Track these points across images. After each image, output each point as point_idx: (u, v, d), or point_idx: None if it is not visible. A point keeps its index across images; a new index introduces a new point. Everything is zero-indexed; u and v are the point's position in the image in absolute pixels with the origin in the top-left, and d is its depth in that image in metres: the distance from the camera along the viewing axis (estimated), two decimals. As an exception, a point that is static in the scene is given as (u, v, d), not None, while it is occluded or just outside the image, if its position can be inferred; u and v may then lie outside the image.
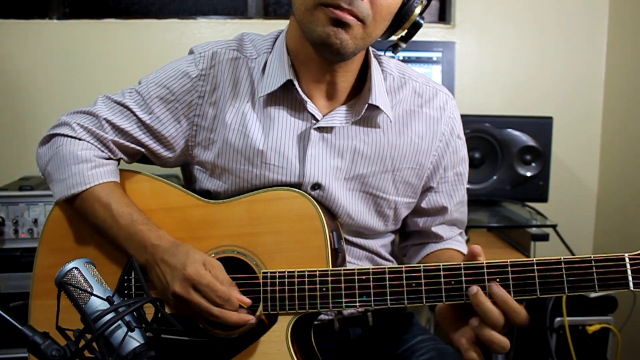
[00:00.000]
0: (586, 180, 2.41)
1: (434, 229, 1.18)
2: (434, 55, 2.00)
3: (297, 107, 1.05)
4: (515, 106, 2.31)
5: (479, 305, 0.87)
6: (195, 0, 2.30)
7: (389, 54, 1.12)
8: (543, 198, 1.95)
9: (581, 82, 2.35)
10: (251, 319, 0.94)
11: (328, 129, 1.05)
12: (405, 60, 1.99)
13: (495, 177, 1.93)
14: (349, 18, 0.91)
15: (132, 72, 2.10)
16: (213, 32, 2.20)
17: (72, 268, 0.78)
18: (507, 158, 1.92)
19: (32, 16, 2.15)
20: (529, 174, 1.93)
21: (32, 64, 2.12)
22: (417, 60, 1.99)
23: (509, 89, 2.33)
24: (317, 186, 1.05)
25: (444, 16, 2.37)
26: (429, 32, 2.27)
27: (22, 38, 2.11)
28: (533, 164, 1.93)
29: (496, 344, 0.86)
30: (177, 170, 1.41)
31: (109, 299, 0.77)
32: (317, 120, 1.04)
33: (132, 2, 2.29)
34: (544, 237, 1.78)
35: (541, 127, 1.93)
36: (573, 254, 1.84)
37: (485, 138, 1.92)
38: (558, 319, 1.76)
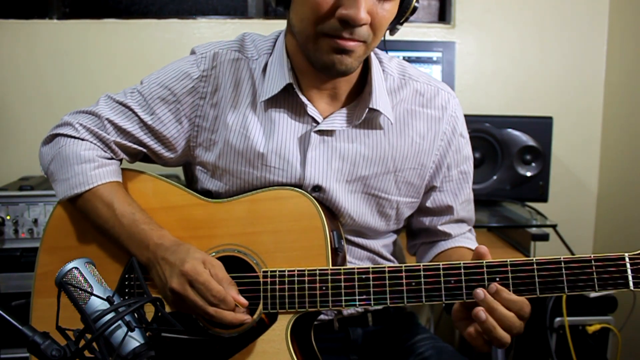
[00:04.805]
0: (586, 180, 2.41)
1: (441, 228, 1.17)
2: (434, 55, 2.00)
3: (297, 110, 1.05)
4: (515, 106, 2.30)
5: (493, 311, 0.87)
6: (195, 0, 2.30)
7: (390, 53, 1.12)
8: (543, 198, 1.95)
9: (581, 82, 2.35)
10: (247, 318, 0.94)
11: (329, 132, 1.05)
12: (405, 60, 1.98)
13: (495, 177, 1.93)
14: (352, 45, 0.92)
15: (132, 72, 2.11)
16: (213, 32, 2.20)
17: (72, 268, 0.78)
18: (507, 158, 1.92)
19: (32, 16, 2.15)
20: (529, 174, 1.93)
21: (32, 64, 2.12)
22: (417, 60, 1.99)
23: (509, 89, 2.33)
24: (317, 188, 1.05)
25: (444, 16, 2.37)
26: (429, 32, 2.27)
27: (22, 38, 2.11)
28: (533, 164, 1.93)
29: (500, 340, 0.87)
30: (178, 170, 1.42)
31: (109, 299, 0.77)
32: (318, 123, 1.04)
33: (132, 2, 2.29)
34: (544, 237, 1.78)
35: (541, 127, 1.93)
36: (573, 254, 1.84)
37: (485, 138, 1.92)
38: (558, 319, 1.76)
